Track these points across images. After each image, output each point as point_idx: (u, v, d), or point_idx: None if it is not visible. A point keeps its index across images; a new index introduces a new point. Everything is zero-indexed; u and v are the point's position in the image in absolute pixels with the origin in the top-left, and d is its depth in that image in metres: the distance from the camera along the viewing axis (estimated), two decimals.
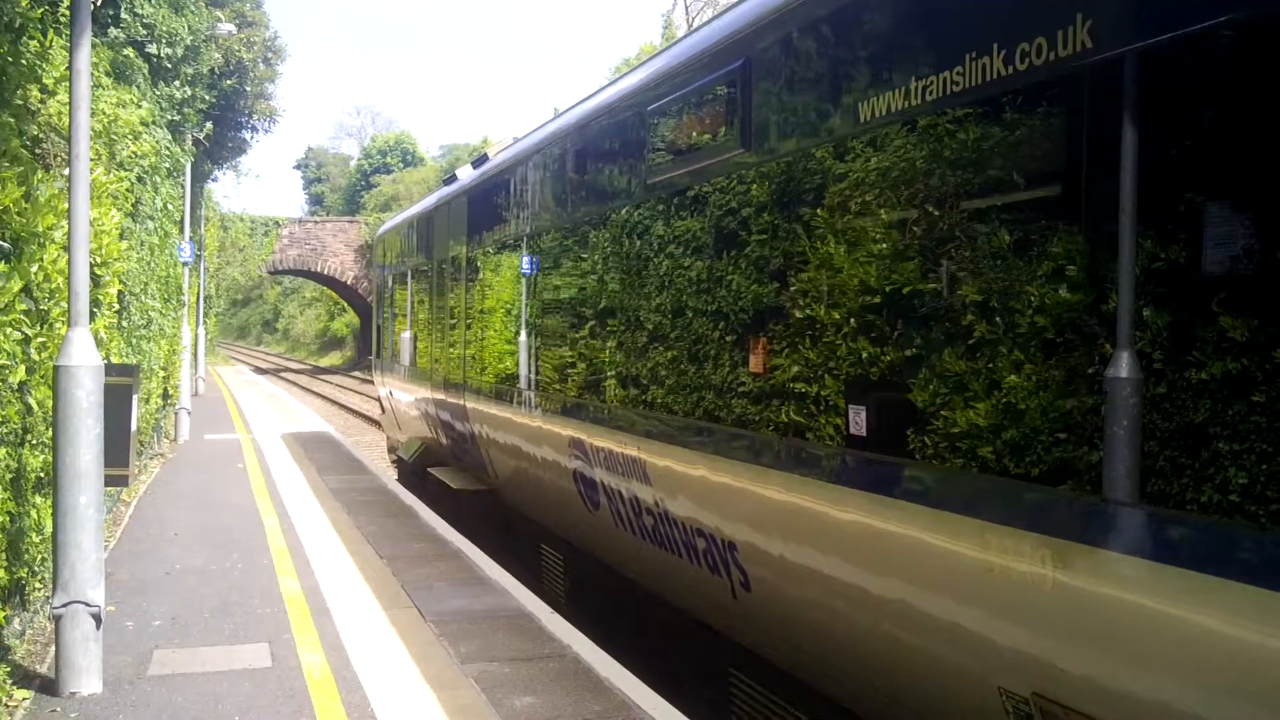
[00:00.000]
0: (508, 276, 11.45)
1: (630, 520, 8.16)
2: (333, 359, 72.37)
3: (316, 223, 62.25)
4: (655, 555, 7.88)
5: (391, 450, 20.31)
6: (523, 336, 10.76)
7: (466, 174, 14.40)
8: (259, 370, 57.49)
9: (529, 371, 10.52)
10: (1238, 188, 3.35)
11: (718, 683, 7.38)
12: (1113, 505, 3.73)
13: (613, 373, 8.29)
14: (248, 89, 28.16)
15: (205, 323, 34.11)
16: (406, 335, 17.22)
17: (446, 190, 15.27)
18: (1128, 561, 3.67)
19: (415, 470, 16.37)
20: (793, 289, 5.75)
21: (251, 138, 30.56)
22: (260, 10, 29.49)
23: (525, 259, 10.69)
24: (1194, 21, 3.37)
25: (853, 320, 5.21)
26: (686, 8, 55.91)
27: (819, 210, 5.49)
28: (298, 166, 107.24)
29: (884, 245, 4.98)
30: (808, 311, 5.61)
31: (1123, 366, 3.65)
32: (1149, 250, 3.56)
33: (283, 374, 56.92)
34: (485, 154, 14.41)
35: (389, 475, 16.66)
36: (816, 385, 5.47)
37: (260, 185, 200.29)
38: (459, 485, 13.63)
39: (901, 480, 4.82)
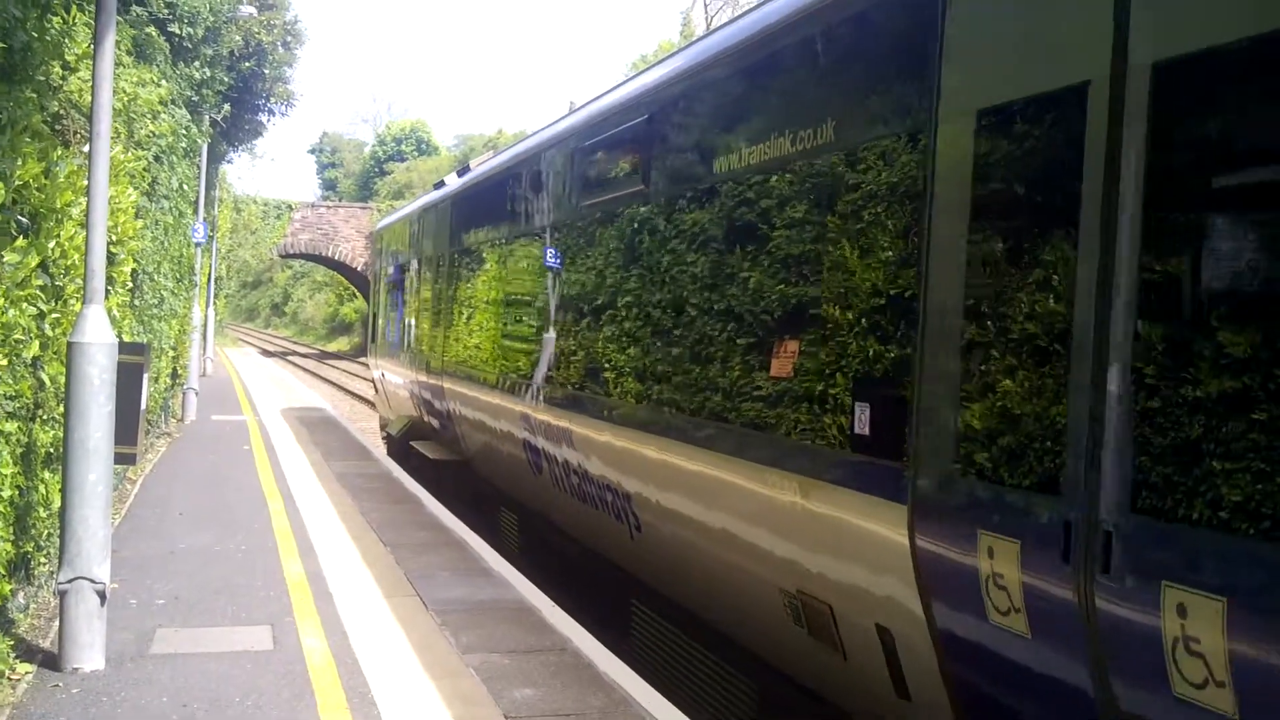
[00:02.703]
0: (478, 274, 13.25)
1: (562, 480, 9.85)
2: (340, 344, 72.43)
3: (329, 208, 62.35)
4: (579, 509, 9.57)
5: (383, 427, 21.93)
6: (487, 327, 12.64)
7: (452, 181, 16.19)
8: (266, 353, 57.61)
9: (492, 357, 12.19)
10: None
11: (623, 611, 9.07)
12: (840, 451, 5.31)
13: (550, 358, 9.97)
14: (266, 72, 28.15)
15: (215, 304, 34.19)
16: (396, 323, 19.04)
17: (435, 194, 17.06)
18: (839, 487, 5.29)
19: (401, 444, 18.01)
20: (670, 295, 7.41)
21: (268, 121, 30.55)
22: None
23: (491, 260, 12.63)
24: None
25: (701, 319, 6.94)
26: (705, 5, 55.87)
27: (691, 232, 7.18)
28: (312, 151, 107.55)
29: (732, 260, 6.59)
30: (672, 314, 7.34)
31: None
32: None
33: (290, 357, 57.01)
34: (468, 165, 16.58)
35: (394, 462, 16.69)
36: (683, 372, 7.12)
37: (275, 168, 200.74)
38: (435, 456, 15.35)
39: (725, 438, 6.47)
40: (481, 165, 15.06)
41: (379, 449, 18.98)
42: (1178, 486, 3.46)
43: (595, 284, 8.92)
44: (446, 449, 15.52)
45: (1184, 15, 3.59)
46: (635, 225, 8.15)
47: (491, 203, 12.88)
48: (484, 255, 13.02)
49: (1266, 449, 3.19)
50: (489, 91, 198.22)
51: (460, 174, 16.07)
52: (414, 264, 17.71)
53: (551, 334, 9.96)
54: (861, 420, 5.13)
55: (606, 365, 8.49)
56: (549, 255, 10.33)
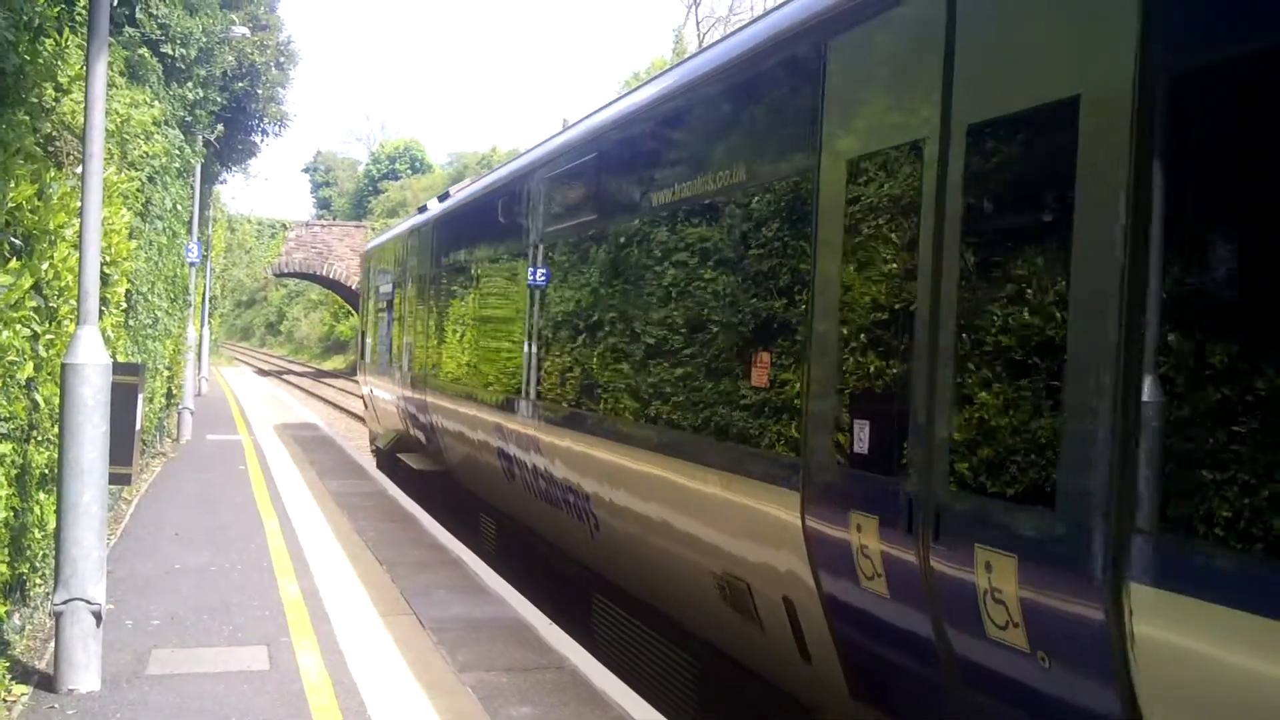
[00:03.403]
0: (456, 294, 14.16)
1: (532, 484, 10.63)
2: (336, 362, 72.32)
3: (323, 226, 62.34)
4: (546, 510, 10.39)
5: (372, 441, 22.62)
6: (464, 344, 13.48)
7: (434, 206, 17.02)
8: (262, 372, 57.54)
9: (471, 373, 12.94)
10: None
11: (586, 605, 9.85)
12: (749, 447, 6.17)
13: (519, 373, 10.83)
14: (259, 92, 28.20)
15: (210, 323, 34.17)
16: (383, 342, 20.07)
17: (418, 218, 17.94)
18: (753, 481, 6.12)
19: (389, 456, 18.90)
20: (612, 315, 8.36)
21: (261, 140, 30.60)
22: (274, 14, 29.56)
23: (467, 281, 13.56)
24: None
25: (638, 336, 7.85)
26: (698, 23, 56.12)
27: (631, 259, 8.12)
28: (306, 170, 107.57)
29: (664, 284, 7.49)
30: (615, 331, 8.30)
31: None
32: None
33: (285, 376, 56.93)
34: (448, 191, 17.33)
35: (390, 481, 16.68)
36: (627, 381, 8.01)
37: (269, 187, 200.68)
38: (420, 467, 16.38)
39: (661, 440, 7.33)
40: (459, 192, 15.91)
41: (375, 467, 18.95)
42: (982, 468, 4.40)
43: (554, 304, 9.95)
44: (430, 460, 16.39)
45: (988, 88, 4.52)
46: (587, 252, 9.12)
47: (467, 228, 14.06)
48: (460, 276, 14.02)
49: (1037, 437, 4.13)
50: (482, 109, 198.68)
51: (441, 199, 17.09)
52: (399, 284, 18.66)
53: (519, 350, 10.92)
54: (765, 421, 6.09)
55: (566, 377, 9.47)
56: (516, 277, 11.38)
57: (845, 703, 5.77)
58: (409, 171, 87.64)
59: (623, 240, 8.32)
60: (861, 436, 5.19)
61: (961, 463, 4.52)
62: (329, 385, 50.55)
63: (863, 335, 5.24)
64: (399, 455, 17.87)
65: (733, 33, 7.64)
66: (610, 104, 9.80)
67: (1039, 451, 4.12)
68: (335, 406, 38.54)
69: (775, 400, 5.97)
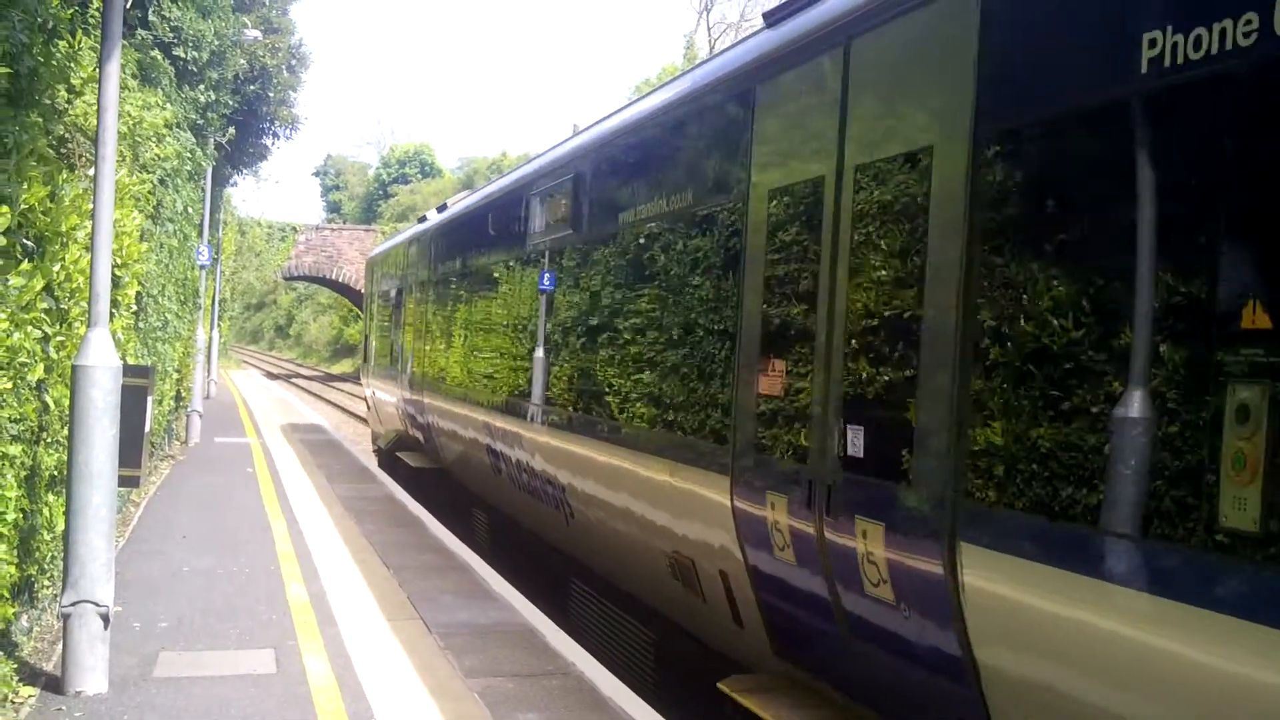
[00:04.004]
0: (451, 301, 15.10)
1: (516, 478, 11.52)
2: (344, 366, 72.39)
3: (333, 230, 62.43)
4: (529, 502, 11.27)
5: (374, 440, 23.63)
6: (457, 347, 14.41)
7: (433, 217, 17.97)
8: (270, 375, 57.64)
9: (464, 375, 13.76)
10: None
11: (565, 589, 10.66)
12: (690, 438, 7.09)
13: (505, 374, 11.82)
14: (271, 95, 28.26)
15: (219, 326, 34.22)
16: (384, 345, 21.10)
17: (418, 227, 19.08)
18: (693, 469, 6.97)
19: (389, 455, 20.01)
20: (586, 323, 9.26)
21: (272, 144, 30.66)
22: (286, 17, 29.63)
23: (460, 289, 14.55)
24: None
25: (603, 341, 8.80)
26: (709, 29, 56.16)
27: (603, 270, 9.02)
28: (316, 174, 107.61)
29: (627, 293, 8.45)
30: (585, 335, 9.21)
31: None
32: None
33: (294, 380, 57.03)
34: (445, 203, 18.34)
35: (398, 485, 16.69)
36: (593, 383, 8.95)
37: (279, 191, 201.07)
38: (417, 464, 17.44)
39: (623, 434, 8.21)
40: (455, 204, 16.94)
41: (383, 471, 18.96)
42: (859, 451, 5.36)
43: (536, 311, 10.86)
44: (427, 458, 17.38)
45: (872, 136, 5.51)
46: (565, 263, 10.08)
47: (459, 239, 15.10)
48: (453, 285, 15.06)
49: (896, 425, 5.07)
50: (493, 114, 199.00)
51: (439, 210, 17.94)
52: (399, 291, 19.72)
53: (505, 354, 12.00)
54: (703, 416, 7.00)
55: (544, 378, 10.37)
56: (501, 286, 12.44)
57: (770, 660, 6.65)
58: (419, 176, 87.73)
59: (588, 256, 9.44)
60: (773, 428, 6.16)
61: (844, 447, 5.48)
62: (337, 389, 50.59)
63: (774, 343, 6.22)
64: (398, 454, 18.88)
65: (693, 67, 8.83)
66: (584, 130, 10.97)
67: (898, 437, 5.05)
68: (343, 410, 38.56)
69: (710, 399, 6.91)
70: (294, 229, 58.76)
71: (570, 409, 9.46)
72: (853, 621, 5.56)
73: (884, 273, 5.29)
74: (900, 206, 5.20)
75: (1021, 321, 4.39)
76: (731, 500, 6.50)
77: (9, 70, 6.00)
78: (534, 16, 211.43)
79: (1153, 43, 3.82)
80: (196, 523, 12.26)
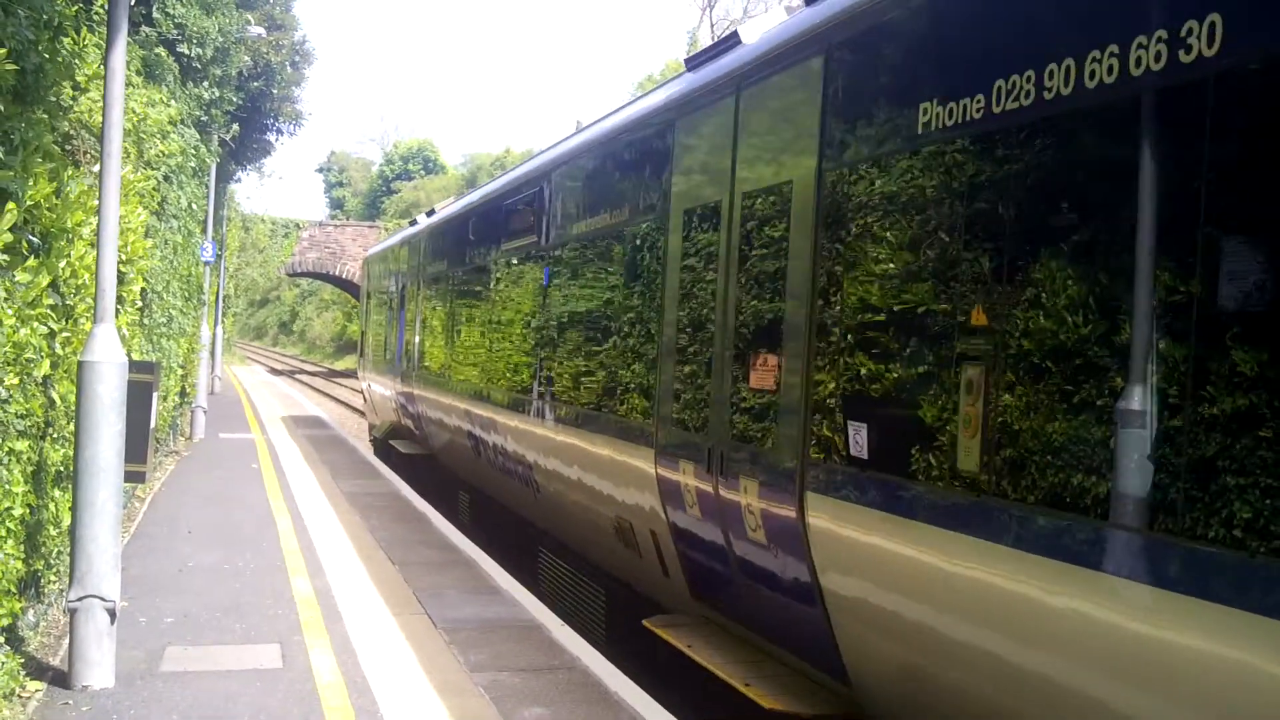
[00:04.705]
0: (437, 299, 16.53)
1: (493, 459, 12.82)
2: (348, 362, 72.28)
3: (336, 226, 62.44)
4: (504, 480, 12.64)
5: (370, 430, 25.19)
6: (441, 342, 15.80)
7: (422, 221, 19.37)
8: (274, 371, 57.63)
9: (448, 368, 15.11)
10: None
11: (534, 556, 11.91)
12: (626, 419, 8.34)
13: (482, 366, 13.09)
14: (274, 91, 28.29)
15: (223, 322, 34.25)
16: (379, 340, 22.51)
17: (409, 230, 20.59)
18: (627, 444, 8.22)
19: (383, 443, 21.54)
20: (546, 320, 10.61)
21: (276, 140, 30.70)
22: (290, 14, 29.64)
23: (445, 288, 15.94)
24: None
25: (558, 336, 10.18)
26: (712, 26, 56.07)
27: (558, 275, 10.35)
28: (320, 170, 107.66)
29: (577, 295, 9.79)
30: (545, 330, 10.61)
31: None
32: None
33: (298, 375, 57.02)
34: (434, 208, 19.86)
35: (403, 480, 16.71)
36: (553, 373, 10.25)
37: (283, 187, 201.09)
38: (408, 451, 18.79)
39: (577, 418, 9.41)
40: (441, 211, 18.17)
41: (387, 467, 18.99)
42: (740, 423, 6.62)
43: (502, 311, 12.42)
44: (418, 445, 18.71)
45: (754, 169, 6.73)
46: (529, 268, 11.44)
47: (444, 243, 16.52)
48: (439, 285, 16.44)
49: (764, 404, 6.36)
50: (496, 110, 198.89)
51: (428, 215, 19.32)
52: (390, 290, 21.23)
53: (481, 348, 13.29)
54: (635, 399, 8.25)
55: (516, 369, 11.68)
56: (478, 287, 13.79)
57: (689, 603, 7.89)
58: (422, 172, 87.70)
59: (546, 262, 10.79)
60: (683, 407, 7.43)
61: (731, 421, 6.73)
62: (341, 385, 50.58)
63: (685, 339, 7.49)
64: (391, 441, 20.42)
65: (632, 100, 10.28)
66: (543, 150, 12.65)
67: (766, 412, 6.37)
68: (347, 406, 38.56)
69: (640, 386, 8.17)
70: (297, 225, 58.78)
71: (534, 397, 10.77)
72: (740, 563, 6.83)
73: (758, 281, 6.57)
74: (773, 226, 6.45)
75: (849, 317, 5.64)
76: (655, 469, 7.76)
77: (15, 67, 6.01)
78: (537, 13, 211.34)
79: (924, 110, 5.14)
80: (202, 518, 12.29)
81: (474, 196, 15.62)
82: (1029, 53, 4.48)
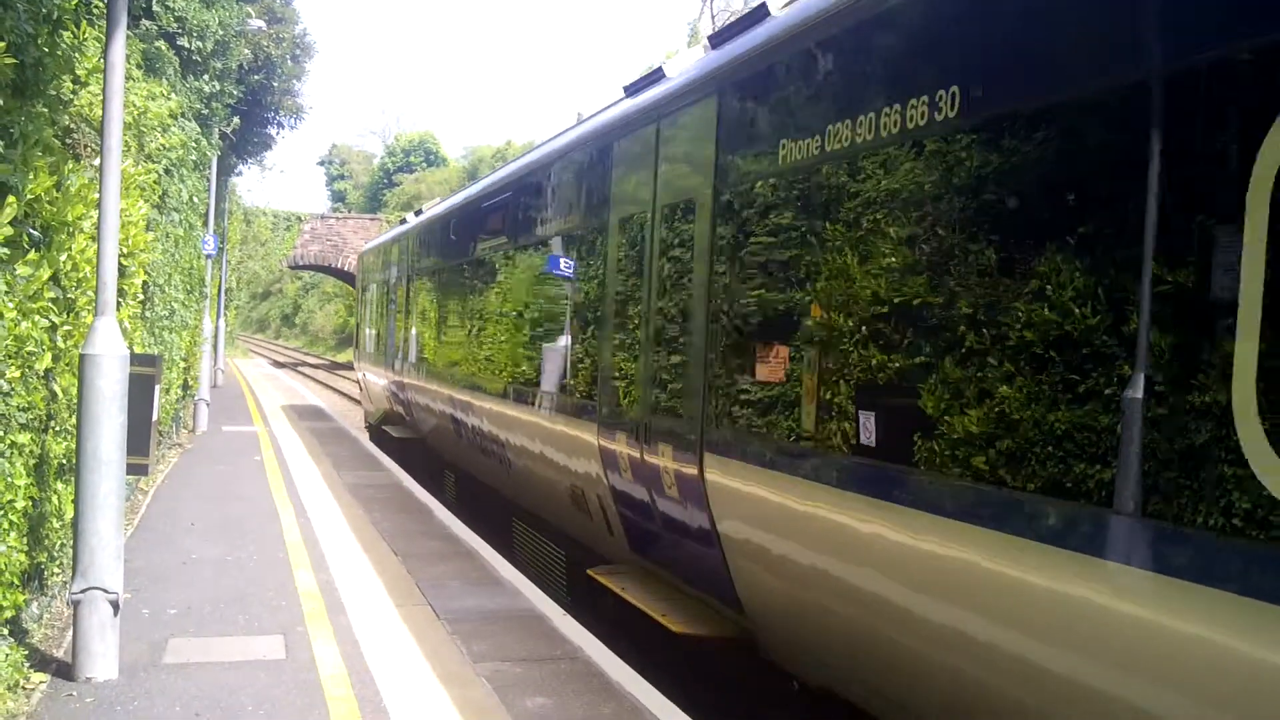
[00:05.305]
0: (423, 293, 17.96)
1: (473, 440, 14.12)
2: (350, 355, 72.30)
3: (338, 219, 62.41)
4: (482, 458, 13.94)
5: (366, 418, 26.85)
6: (427, 332, 17.16)
7: (412, 219, 20.94)
8: (277, 364, 57.68)
9: (433, 358, 16.45)
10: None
11: (508, 525, 13.30)
12: (577, 400, 9.59)
13: (462, 355, 14.31)
14: (275, 85, 28.29)
15: (226, 315, 34.26)
16: (373, 332, 23.94)
17: (400, 228, 22.04)
18: (577, 421, 9.48)
19: (377, 429, 23.24)
20: (514, 313, 12.04)
21: (277, 133, 30.71)
22: (290, 7, 29.61)
23: (428, 282, 17.49)
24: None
25: (523, 328, 11.59)
26: (713, 17, 55.94)
27: (524, 272, 11.73)
28: (321, 163, 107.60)
29: (539, 291, 11.13)
30: (512, 323, 12.05)
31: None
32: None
33: (300, 368, 57.09)
34: (421, 208, 21.34)
35: (405, 472, 16.73)
36: (521, 362, 11.54)
37: (284, 180, 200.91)
38: (399, 435, 20.16)
39: (537, 400, 10.69)
40: (433, 208, 19.37)
41: (389, 459, 19.01)
42: (659, 401, 7.85)
43: (479, 305, 13.69)
44: (408, 430, 20.04)
45: (669, 187, 7.97)
46: (501, 266, 12.80)
47: (429, 242, 17.83)
48: (424, 280, 17.88)
49: (678, 385, 7.57)
50: (497, 102, 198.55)
51: (417, 214, 20.77)
52: (382, 284, 22.70)
53: (462, 339, 14.47)
54: (581, 385, 9.57)
55: (490, 358, 12.89)
56: (459, 281, 15.07)
57: (629, 556, 9.05)
58: (424, 165, 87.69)
59: (515, 261, 12.16)
60: (616, 390, 8.67)
61: (652, 399, 7.96)
62: (343, 377, 50.61)
63: (620, 331, 8.67)
64: (384, 427, 21.88)
65: (585, 119, 11.22)
66: (511, 161, 14.28)
67: (676, 390, 7.61)
68: (349, 399, 38.56)
69: (589, 372, 9.37)
70: (299, 218, 58.74)
71: (506, 383, 12.00)
72: (663, 518, 8.01)
73: (671, 283, 7.78)
74: (682, 237, 7.66)
75: (733, 312, 6.83)
76: (598, 441, 8.95)
77: (14, 61, 6.01)
78: (539, 4, 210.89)
79: (783, 145, 6.31)
80: (205, 511, 12.32)
81: (454, 200, 17.07)
82: (848, 108, 5.74)
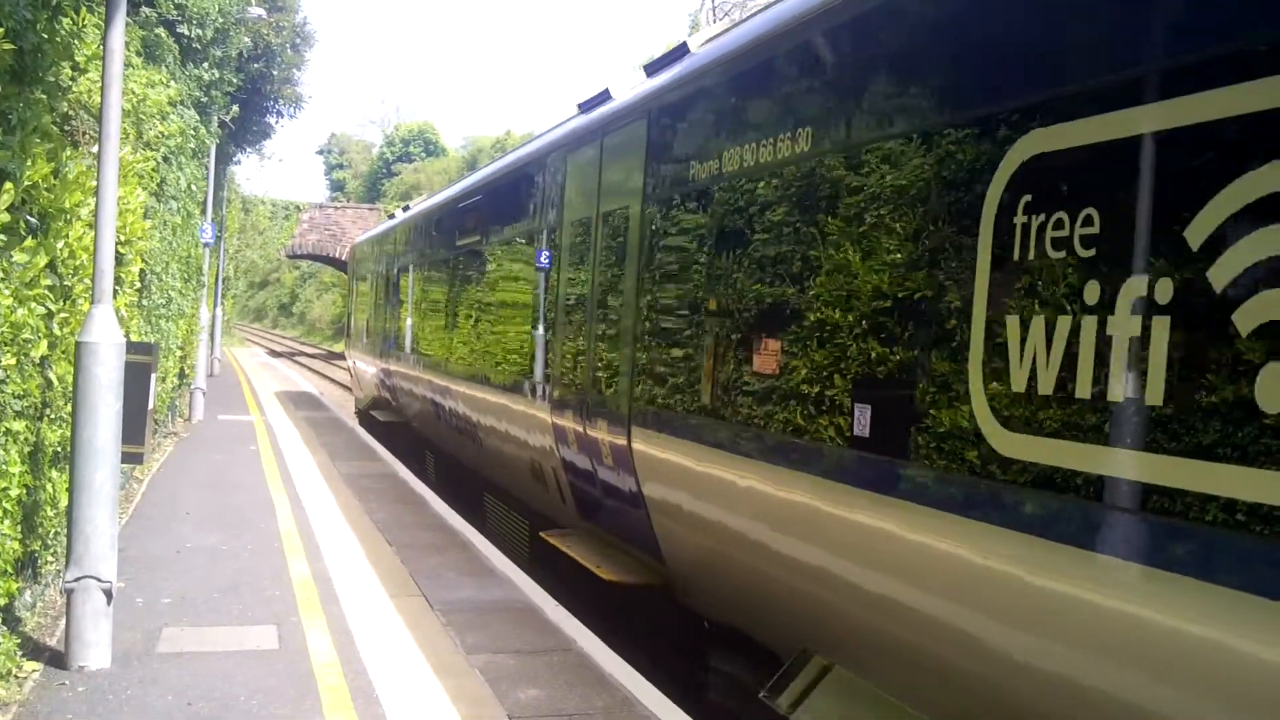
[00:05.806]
0: (404, 285, 19.34)
1: (450, 421, 15.38)
2: None
3: (337, 209, 62.35)
4: (458, 438, 15.23)
5: (356, 404, 28.03)
6: (410, 322, 18.44)
7: (399, 215, 22.01)
8: (274, 353, 57.61)
9: (415, 346, 17.84)
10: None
11: (480, 500, 14.52)
12: (538, 382, 10.74)
13: (440, 343, 15.69)
14: (275, 73, 28.22)
15: (223, 304, 34.21)
16: (361, 322, 25.30)
17: (388, 224, 23.46)
18: (534, 401, 10.74)
19: (365, 414, 24.60)
20: (481, 305, 13.40)
21: (276, 122, 30.62)
22: None
23: (415, 274, 18.56)
24: None
25: (488, 318, 12.99)
26: (713, 8, 55.78)
27: (503, 268, 12.72)
28: (320, 152, 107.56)
29: (507, 285, 12.39)
30: (480, 313, 13.38)
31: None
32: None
33: (297, 358, 56.99)
34: (407, 205, 22.56)
35: (400, 463, 16.74)
36: (488, 347, 12.77)
37: (283, 169, 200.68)
38: (385, 419, 21.56)
39: (503, 381, 11.88)
40: (419, 205, 20.51)
41: (384, 450, 19.01)
42: (597, 381, 8.95)
43: (457, 296, 14.85)
44: (393, 413, 21.25)
45: (610, 196, 9.10)
46: (473, 262, 14.11)
47: (412, 238, 19.03)
48: (409, 273, 19.05)
49: (607, 368, 8.73)
50: (497, 93, 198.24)
51: (405, 210, 21.82)
52: (371, 276, 24.09)
53: (440, 328, 15.77)
54: (537, 371, 10.75)
55: (463, 345, 14.09)
56: (437, 275, 16.40)
57: (578, 522, 10.09)
58: (423, 154, 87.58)
59: (485, 258, 13.43)
60: (564, 373, 9.85)
61: (594, 379, 9.02)
62: (339, 367, 50.51)
63: (569, 321, 9.87)
64: (372, 412, 23.26)
65: (544, 132, 12.57)
66: (481, 167, 16.09)
67: (610, 373, 8.68)
68: (346, 388, 38.51)
69: (545, 357, 10.55)
70: (298, 207, 58.67)
71: (475, 367, 13.23)
72: (602, 485, 9.05)
73: (609, 279, 8.91)
74: (618, 240, 8.76)
75: (651, 306, 7.96)
76: (551, 418, 10.06)
77: (13, 47, 5.99)
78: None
79: (699, 165, 7.35)
80: (200, 500, 12.31)
81: (434, 199, 18.64)
82: (736, 136, 6.83)
